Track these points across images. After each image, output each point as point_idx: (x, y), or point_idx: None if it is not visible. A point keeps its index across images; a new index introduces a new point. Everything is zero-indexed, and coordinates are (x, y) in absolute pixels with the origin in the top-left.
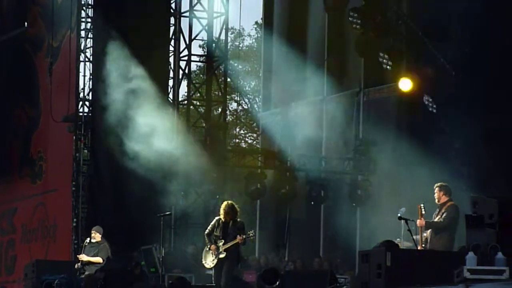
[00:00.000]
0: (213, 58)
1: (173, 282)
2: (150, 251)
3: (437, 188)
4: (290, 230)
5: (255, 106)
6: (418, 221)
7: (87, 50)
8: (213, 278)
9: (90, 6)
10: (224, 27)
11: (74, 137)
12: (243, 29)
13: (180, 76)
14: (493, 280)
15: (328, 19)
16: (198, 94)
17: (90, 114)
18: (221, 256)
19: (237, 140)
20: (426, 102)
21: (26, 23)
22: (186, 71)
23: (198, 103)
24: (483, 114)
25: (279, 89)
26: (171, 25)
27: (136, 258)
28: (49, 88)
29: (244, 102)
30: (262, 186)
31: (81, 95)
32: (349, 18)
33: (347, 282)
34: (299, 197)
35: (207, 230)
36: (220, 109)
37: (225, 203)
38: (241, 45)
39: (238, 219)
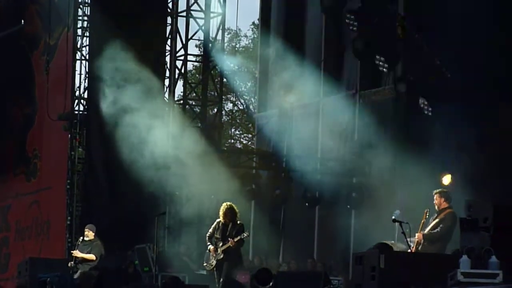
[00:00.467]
0: (210, 58)
1: (166, 282)
2: (144, 250)
3: (437, 195)
4: (284, 231)
5: (251, 106)
6: (417, 235)
7: (84, 48)
8: (215, 280)
9: (87, 4)
10: (221, 27)
11: (69, 136)
12: (239, 29)
13: (176, 76)
14: (486, 284)
15: (325, 20)
16: (194, 94)
17: (85, 113)
18: (219, 258)
19: (232, 141)
20: (422, 105)
21: (22, 21)
22: (182, 70)
23: (193, 103)
24: (478, 117)
25: (275, 90)
26: (167, 24)
27: (130, 257)
28: (45, 86)
29: (240, 103)
30: (257, 186)
31: (77, 93)
32: (346, 20)
33: (341, 284)
34: (294, 198)
35: (208, 233)
36: (215, 109)
37: (224, 205)
38: (237, 46)
39: (238, 221)
